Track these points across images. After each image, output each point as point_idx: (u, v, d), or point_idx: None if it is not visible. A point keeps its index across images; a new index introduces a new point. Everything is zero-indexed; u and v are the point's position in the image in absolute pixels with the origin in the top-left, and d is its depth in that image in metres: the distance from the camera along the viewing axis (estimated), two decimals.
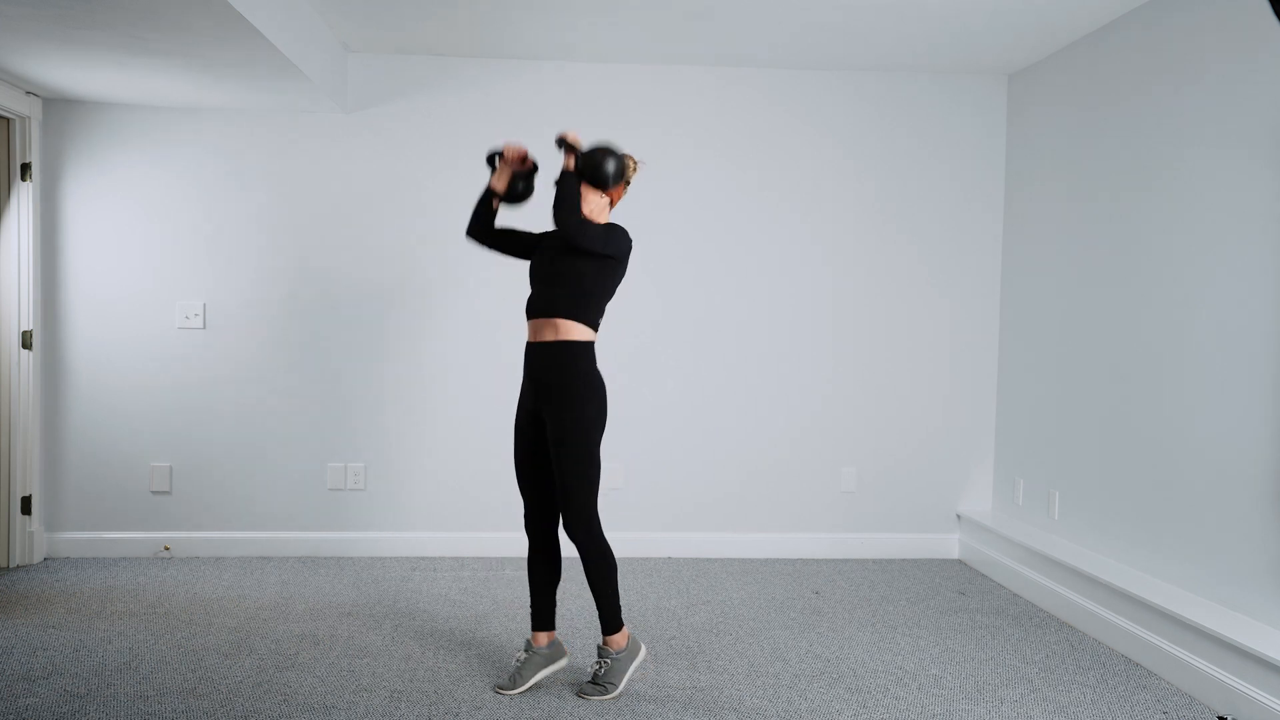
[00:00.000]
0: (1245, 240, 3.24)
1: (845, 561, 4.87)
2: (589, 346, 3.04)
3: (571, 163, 3.00)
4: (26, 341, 4.46)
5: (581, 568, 3.23)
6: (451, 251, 4.70)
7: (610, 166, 3.01)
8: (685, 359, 4.87)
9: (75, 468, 4.64)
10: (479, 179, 4.58)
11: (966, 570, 4.77)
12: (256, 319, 4.70)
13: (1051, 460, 4.42)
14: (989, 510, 4.97)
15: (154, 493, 4.69)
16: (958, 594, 4.35)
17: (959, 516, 4.98)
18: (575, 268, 3.00)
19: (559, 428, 2.97)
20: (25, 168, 4.42)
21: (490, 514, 4.78)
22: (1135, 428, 3.80)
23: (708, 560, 4.82)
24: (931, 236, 4.93)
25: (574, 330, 3.00)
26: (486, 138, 4.71)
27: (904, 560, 4.92)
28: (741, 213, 4.86)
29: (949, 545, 4.99)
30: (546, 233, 3.23)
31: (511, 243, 3.19)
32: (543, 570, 3.17)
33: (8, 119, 4.38)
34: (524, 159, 3.14)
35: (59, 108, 4.54)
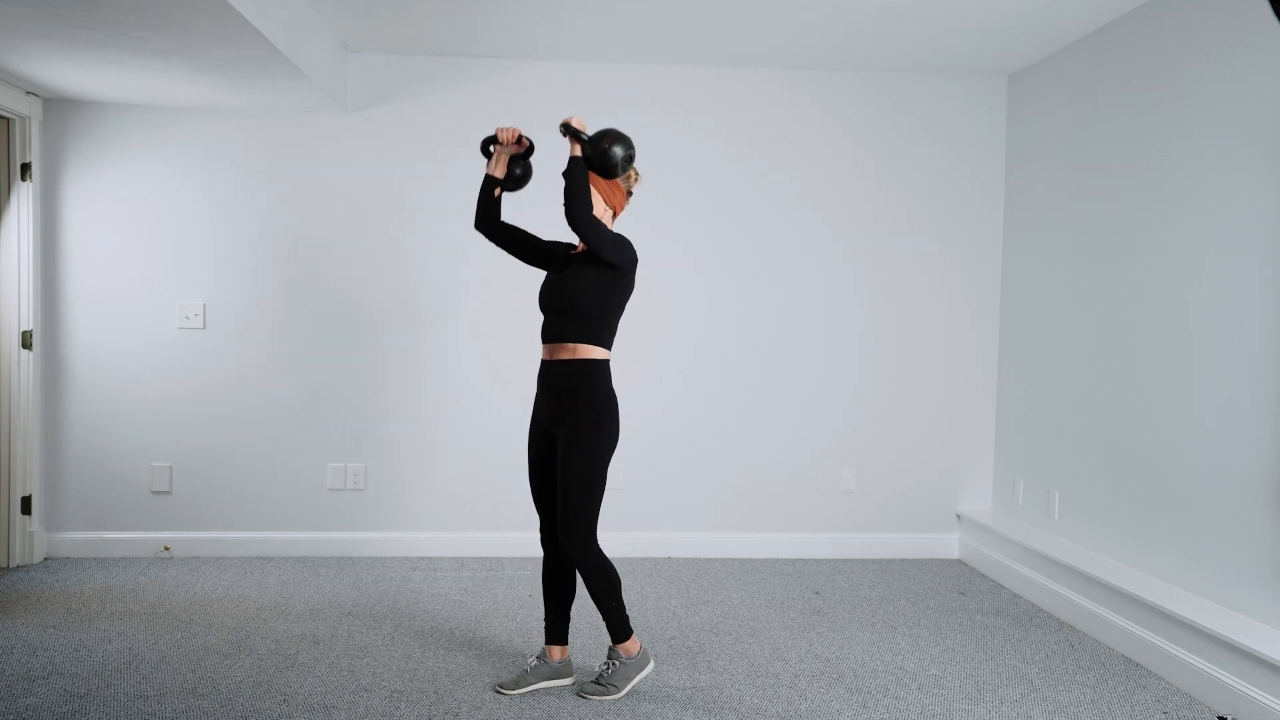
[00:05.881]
0: (1245, 240, 3.24)
1: (845, 561, 4.86)
2: (604, 365, 3.03)
3: (579, 150, 2.94)
4: (26, 341, 4.46)
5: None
6: (452, 250, 4.70)
7: (618, 153, 2.92)
8: (686, 359, 4.87)
9: (75, 468, 4.64)
10: (480, 178, 4.57)
11: (966, 570, 4.78)
12: (256, 319, 4.70)
13: (1051, 460, 4.42)
14: (989, 510, 4.97)
15: (154, 493, 4.69)
16: (958, 594, 4.35)
17: (959, 516, 4.98)
18: (582, 297, 2.98)
19: (569, 445, 2.97)
20: (25, 168, 4.42)
21: (490, 514, 4.78)
22: (1135, 428, 3.80)
23: (708, 560, 4.82)
24: (931, 237, 4.93)
25: (589, 350, 3.00)
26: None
27: (904, 560, 4.91)
28: (740, 212, 4.86)
29: (949, 545, 4.99)
30: (554, 242, 3.21)
31: (516, 242, 3.17)
32: (558, 585, 3.16)
33: (8, 119, 4.38)
34: (519, 140, 3.09)
35: (59, 108, 4.54)
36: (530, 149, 3.13)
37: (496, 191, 3.12)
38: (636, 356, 4.74)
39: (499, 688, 3.10)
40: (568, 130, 2.92)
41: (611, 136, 2.93)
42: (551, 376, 3.04)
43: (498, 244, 3.17)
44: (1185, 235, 3.54)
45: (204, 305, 4.67)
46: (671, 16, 4.07)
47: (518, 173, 3.15)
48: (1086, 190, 4.18)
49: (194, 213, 4.65)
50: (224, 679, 3.17)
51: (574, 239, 3.35)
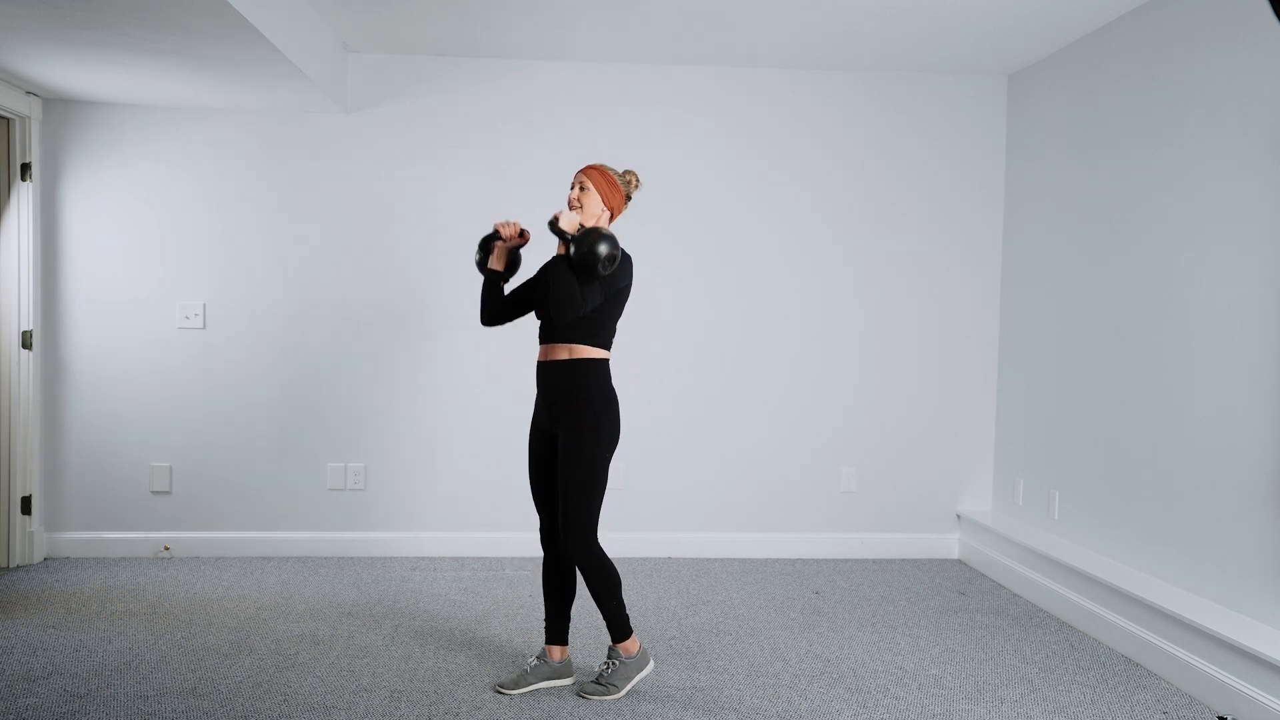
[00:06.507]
0: (1245, 240, 3.24)
1: (845, 561, 4.86)
2: (603, 364, 3.04)
3: (563, 249, 2.94)
4: (26, 341, 4.46)
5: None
6: (452, 249, 4.70)
7: (602, 251, 2.87)
8: (686, 359, 4.86)
9: (75, 468, 4.64)
10: (480, 178, 4.59)
11: (966, 570, 4.77)
12: (256, 319, 4.70)
13: (1051, 460, 4.41)
14: (989, 510, 4.97)
15: (154, 493, 4.69)
16: (958, 594, 4.35)
17: (959, 516, 4.98)
18: None
19: (569, 445, 2.97)
20: (25, 168, 4.42)
21: (490, 514, 4.78)
22: (1135, 428, 3.80)
23: (708, 560, 4.82)
24: (931, 237, 4.93)
25: (584, 350, 3.01)
26: (488, 137, 4.72)
27: (904, 560, 4.91)
28: (740, 212, 4.86)
29: (949, 545, 4.99)
30: (544, 267, 3.20)
31: (524, 303, 3.19)
32: (558, 585, 3.16)
33: (8, 119, 4.38)
34: (521, 233, 3.12)
35: (59, 108, 4.54)
36: (527, 240, 3.15)
37: (502, 284, 3.16)
38: (636, 356, 4.74)
39: (499, 688, 3.11)
40: (554, 229, 2.91)
41: (595, 235, 2.89)
42: (548, 377, 3.05)
43: (510, 320, 3.20)
44: (1185, 235, 3.54)
45: (204, 305, 4.67)
46: (671, 16, 4.07)
47: (509, 259, 3.19)
48: (1086, 190, 4.18)
49: (194, 213, 4.65)
50: (224, 679, 3.17)
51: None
